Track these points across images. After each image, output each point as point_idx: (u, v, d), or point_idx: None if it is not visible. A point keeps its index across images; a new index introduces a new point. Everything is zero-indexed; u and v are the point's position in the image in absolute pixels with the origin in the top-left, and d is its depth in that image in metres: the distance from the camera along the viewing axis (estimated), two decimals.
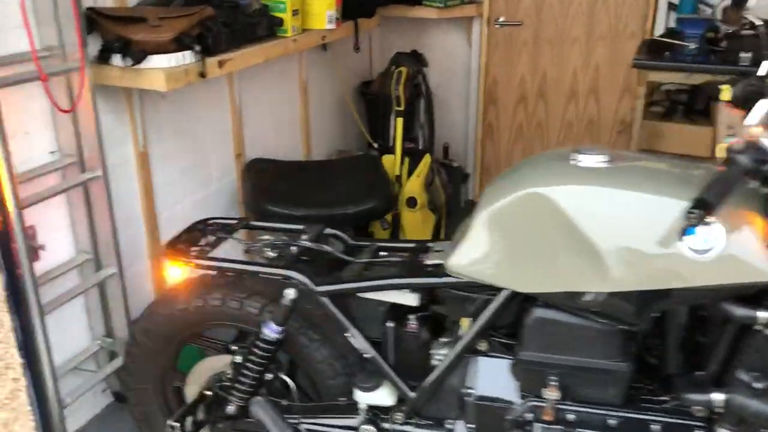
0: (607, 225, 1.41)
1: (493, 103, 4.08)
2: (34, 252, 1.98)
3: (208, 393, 1.91)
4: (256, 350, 1.75)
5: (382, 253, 1.84)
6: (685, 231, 1.35)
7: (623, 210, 1.40)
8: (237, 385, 1.79)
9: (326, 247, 1.82)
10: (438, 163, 3.71)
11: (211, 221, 1.97)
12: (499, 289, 1.57)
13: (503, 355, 1.63)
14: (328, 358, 1.81)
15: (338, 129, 3.95)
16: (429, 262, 1.67)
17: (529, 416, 1.57)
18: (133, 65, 2.10)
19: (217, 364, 1.97)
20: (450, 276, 1.60)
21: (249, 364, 1.77)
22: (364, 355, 1.68)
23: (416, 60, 3.32)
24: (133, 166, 2.49)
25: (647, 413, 1.49)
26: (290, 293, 1.68)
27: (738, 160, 1.29)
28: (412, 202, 3.34)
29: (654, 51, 3.19)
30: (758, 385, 1.37)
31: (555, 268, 1.46)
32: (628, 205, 1.41)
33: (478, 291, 1.60)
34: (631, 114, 3.78)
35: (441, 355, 1.67)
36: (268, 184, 2.91)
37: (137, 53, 2.08)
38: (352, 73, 4.00)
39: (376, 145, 3.68)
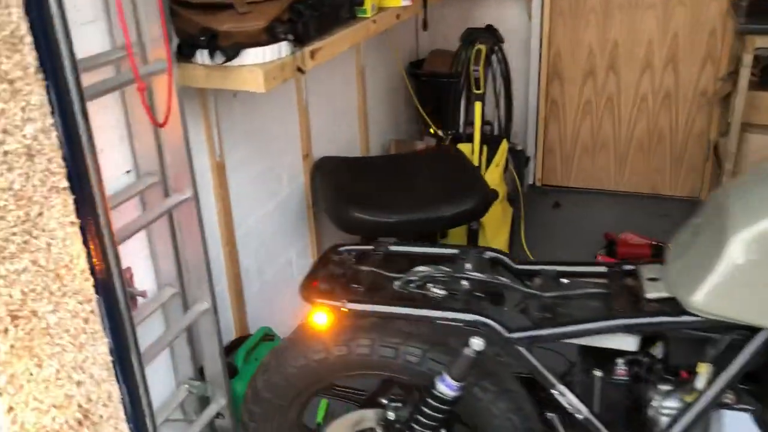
0: None
1: (558, 77, 3.73)
2: (133, 301, 1.61)
3: None
4: (425, 409, 1.42)
5: (563, 280, 1.50)
6: None
7: None
8: None
9: (503, 279, 1.48)
10: None
11: (342, 248, 1.62)
12: (751, 329, 1.25)
13: (750, 407, 1.31)
14: (506, 411, 1.48)
15: (391, 117, 3.59)
16: (652, 296, 1.34)
17: None
18: (225, 62, 1.72)
19: (359, 419, 1.64)
20: (687, 314, 1.27)
21: (415, 426, 1.44)
22: (576, 416, 1.35)
23: (493, 35, 2.96)
24: (209, 180, 2.12)
25: None
26: (478, 343, 1.35)
27: None
28: (493, 195, 3.00)
29: (758, 13, 2.87)
30: None
31: None
32: None
33: (723, 331, 1.28)
34: (715, 84, 3.46)
35: (671, 409, 1.35)
36: (346, 187, 2.56)
37: (230, 48, 1.70)
38: (404, 54, 3.63)
39: (441, 133, 3.32)
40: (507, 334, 1.34)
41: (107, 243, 0.91)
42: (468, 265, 1.49)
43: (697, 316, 1.27)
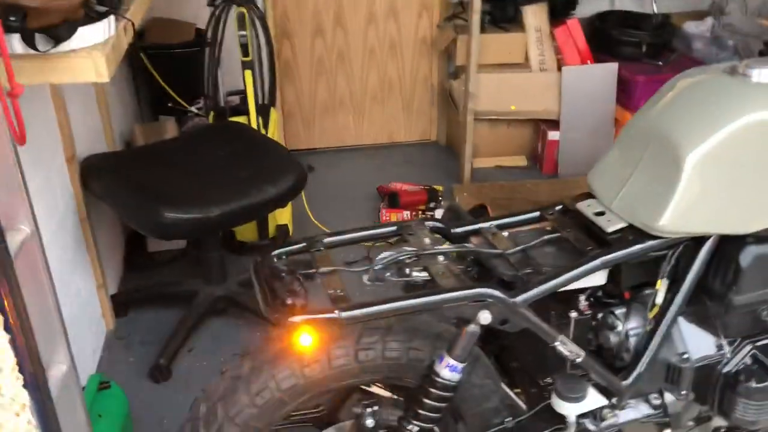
0: None
1: (287, 38, 3.62)
2: None
3: None
4: (427, 400, 1.30)
5: (505, 234, 1.48)
6: None
7: None
8: None
9: (469, 246, 1.40)
10: None
11: (275, 255, 1.36)
12: (699, 239, 1.39)
13: (706, 308, 1.46)
14: (483, 378, 1.43)
15: (130, 100, 3.13)
16: (612, 228, 1.39)
17: (748, 360, 1.45)
18: (51, 49, 1.28)
19: None
20: (652, 238, 1.36)
21: (414, 422, 1.32)
22: (576, 360, 1.36)
23: None
24: None
25: None
26: (486, 317, 1.26)
27: None
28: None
29: None
30: None
31: None
32: None
33: (676, 246, 1.40)
34: (432, 31, 3.71)
35: (636, 329, 1.44)
36: (145, 186, 2.17)
37: (60, 29, 1.26)
38: None
39: (195, 109, 3.00)
40: (512, 300, 1.27)
41: None
42: (426, 240, 1.38)
43: (662, 237, 1.36)
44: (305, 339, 1.21)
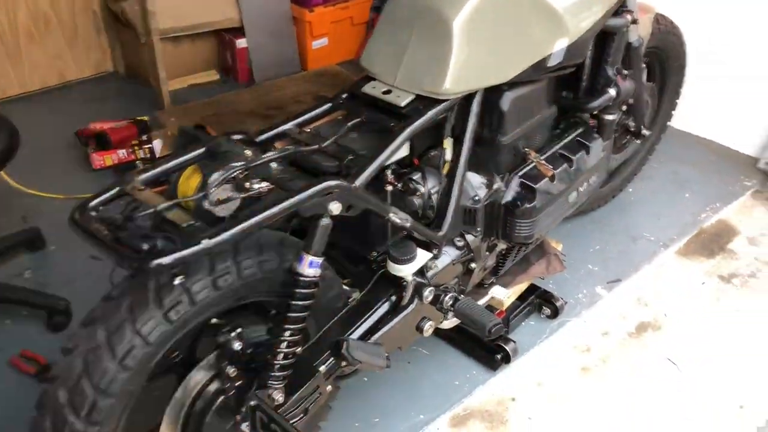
0: None
1: None
2: None
3: None
4: (296, 302, 1.34)
5: (308, 130, 1.53)
6: None
7: None
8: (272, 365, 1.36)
9: (290, 148, 1.41)
10: None
11: (92, 206, 1.22)
12: (469, 96, 1.59)
13: (482, 154, 1.69)
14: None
15: None
16: (405, 102, 1.52)
17: (524, 186, 1.73)
18: None
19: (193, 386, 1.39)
20: (439, 102, 1.53)
21: (288, 327, 1.35)
22: (405, 225, 1.49)
23: None
24: None
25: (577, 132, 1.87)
26: (336, 207, 1.32)
27: None
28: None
29: None
30: None
31: (529, 43, 1.59)
32: None
33: (451, 108, 1.59)
34: None
35: (438, 188, 1.63)
36: None
37: None
38: None
39: None
40: (352, 185, 1.34)
41: None
42: (247, 152, 1.36)
43: (446, 100, 1.53)
44: (178, 278, 1.14)
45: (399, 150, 1.50)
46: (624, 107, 2.23)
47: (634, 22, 1.87)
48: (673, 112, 2.68)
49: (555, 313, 2.16)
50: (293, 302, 1.33)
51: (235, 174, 1.29)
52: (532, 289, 2.18)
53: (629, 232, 2.59)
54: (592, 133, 1.90)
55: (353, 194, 1.34)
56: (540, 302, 2.17)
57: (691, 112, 3.09)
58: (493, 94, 1.62)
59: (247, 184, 1.28)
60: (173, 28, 3.31)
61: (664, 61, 2.47)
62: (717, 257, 2.50)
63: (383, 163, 1.43)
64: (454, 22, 1.48)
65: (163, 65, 3.25)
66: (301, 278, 1.32)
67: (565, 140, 1.85)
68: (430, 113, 1.51)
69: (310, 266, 1.33)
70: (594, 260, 2.44)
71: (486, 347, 2.01)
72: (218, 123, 3.20)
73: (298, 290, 1.33)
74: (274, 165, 1.34)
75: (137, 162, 2.92)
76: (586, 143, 1.86)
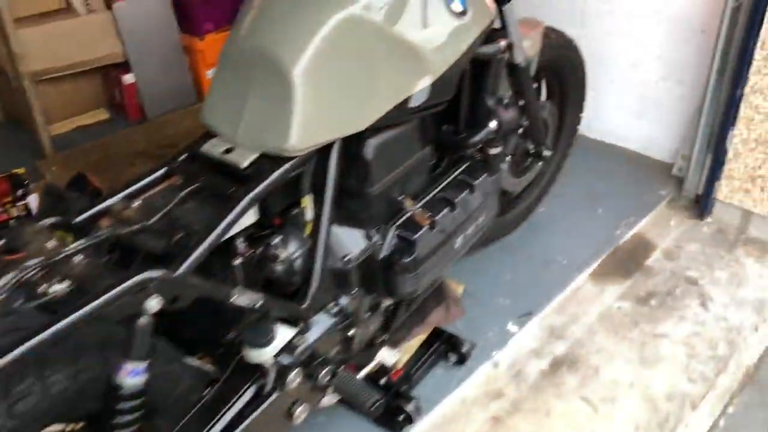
0: (408, 19, 1.43)
1: None
2: None
3: None
4: (119, 418, 1.14)
5: (138, 203, 1.33)
6: (449, 2, 1.51)
7: (412, 5, 1.44)
8: None
9: (103, 231, 1.21)
10: None
11: None
12: (327, 147, 1.42)
13: (350, 207, 1.52)
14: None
15: None
16: (246, 163, 1.33)
17: (401, 238, 1.56)
18: None
19: None
20: (287, 159, 1.34)
21: None
22: (256, 306, 1.30)
23: None
24: None
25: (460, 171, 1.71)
26: (155, 303, 1.12)
27: None
28: None
29: None
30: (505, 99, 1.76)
31: (386, 85, 1.42)
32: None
33: (307, 162, 1.41)
34: None
35: (296, 252, 1.44)
36: None
37: None
38: None
39: None
40: (175, 274, 1.14)
41: None
42: (49, 243, 1.15)
43: (295, 157, 1.35)
44: None
45: (244, 218, 1.31)
46: (520, 130, 2.09)
47: (510, 46, 1.71)
48: (578, 126, 2.55)
49: (462, 359, 2.00)
50: (115, 420, 1.13)
51: (28, 275, 1.08)
52: (437, 333, 2.01)
53: (542, 257, 2.45)
54: (477, 169, 1.74)
55: (178, 284, 1.15)
56: (446, 348, 2.01)
57: (603, 120, 2.99)
58: (354, 142, 1.45)
59: (42, 288, 1.07)
60: (47, 70, 3.06)
61: (561, 75, 2.34)
62: (633, 276, 2.38)
63: (218, 240, 1.24)
64: (293, 72, 1.30)
65: (41, 109, 3.00)
66: (121, 391, 1.12)
67: (447, 181, 1.68)
68: (277, 174, 1.32)
69: (132, 375, 1.13)
70: (505, 292, 2.29)
71: (388, 408, 1.83)
72: (105, 168, 2.97)
73: (118, 405, 1.13)
74: (78, 258, 1.13)
75: (11, 222, 2.66)
76: (471, 182, 1.71)
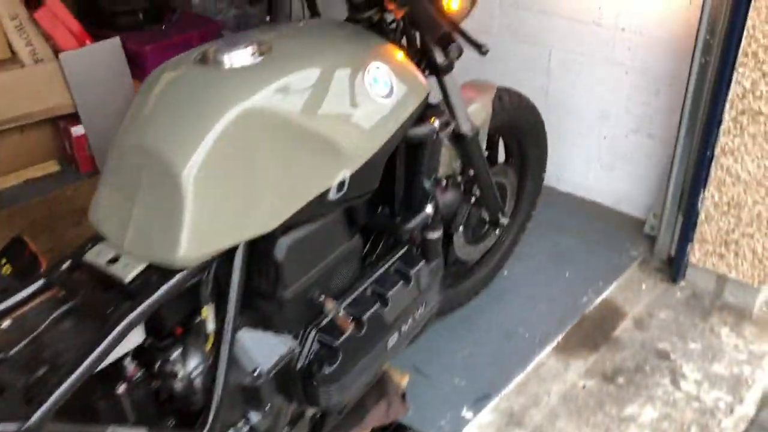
0: (323, 108, 1.28)
1: None
2: None
3: None
4: None
5: (6, 324, 1.16)
6: (371, 84, 1.36)
7: (322, 90, 1.29)
8: None
9: None
10: None
11: None
12: (229, 251, 1.26)
13: (262, 313, 1.36)
14: None
15: None
16: (131, 276, 1.17)
17: (322, 344, 1.41)
18: None
19: None
20: (179, 271, 1.19)
21: None
22: None
23: None
24: None
25: (395, 259, 1.55)
26: None
27: None
28: None
29: None
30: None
31: (297, 182, 1.27)
32: (322, 83, 1.30)
33: (205, 270, 1.25)
34: None
35: (199, 367, 1.28)
36: None
37: None
38: None
39: None
40: (26, 426, 0.98)
41: None
42: None
43: (188, 267, 1.19)
44: None
45: (129, 337, 1.15)
46: (472, 199, 1.95)
47: (446, 124, 1.56)
48: (541, 187, 2.40)
49: None
50: None
51: None
52: (382, 426, 1.85)
53: (502, 329, 2.28)
54: (414, 256, 1.59)
55: None
56: None
57: (573, 172, 2.84)
58: (263, 242, 1.29)
59: None
60: None
61: (519, 136, 2.19)
62: (600, 350, 2.21)
63: (89, 373, 1.07)
64: (183, 174, 1.14)
65: None
66: None
67: (378, 273, 1.53)
68: (163, 290, 1.17)
69: None
70: (460, 371, 2.12)
71: None
72: (51, 227, 2.82)
73: None
74: None
75: None
76: (406, 272, 1.55)
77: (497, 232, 2.13)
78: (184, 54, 1.34)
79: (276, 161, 1.23)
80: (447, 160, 1.85)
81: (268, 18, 2.81)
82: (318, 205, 1.31)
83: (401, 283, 1.53)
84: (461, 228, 2.01)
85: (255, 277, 1.31)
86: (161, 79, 1.26)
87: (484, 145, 1.97)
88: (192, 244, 1.16)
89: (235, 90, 1.20)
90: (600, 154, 2.75)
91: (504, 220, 2.05)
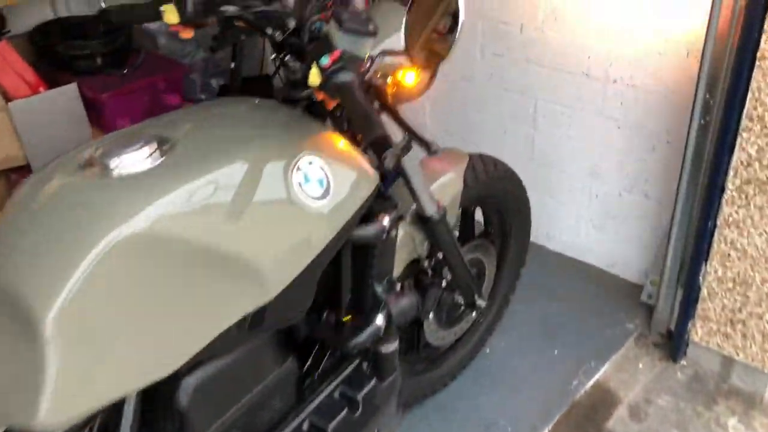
0: (232, 226, 1.05)
1: None
2: None
3: None
4: None
5: None
6: (301, 184, 1.13)
7: (233, 200, 1.05)
8: None
9: None
10: None
11: None
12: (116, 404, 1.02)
13: None
14: None
15: None
16: None
17: None
18: None
19: None
20: None
21: None
22: None
23: None
24: None
25: (339, 380, 1.31)
26: None
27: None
28: None
29: None
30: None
31: (204, 312, 1.03)
32: (235, 191, 1.06)
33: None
34: None
35: None
36: None
37: None
38: None
39: None
40: None
41: None
42: None
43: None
44: None
45: None
46: (443, 283, 1.72)
47: (400, 218, 1.33)
48: (525, 257, 2.16)
49: None
50: None
51: None
52: None
53: (481, 418, 2.04)
54: (363, 375, 1.34)
55: None
56: None
57: (563, 230, 2.60)
58: (163, 384, 1.05)
59: None
60: None
61: (498, 206, 1.96)
62: None
63: None
64: (45, 320, 0.91)
65: None
66: None
67: (319, 399, 1.28)
68: None
69: None
70: None
71: None
72: None
73: None
74: None
75: None
76: (353, 396, 1.31)
77: (474, 314, 1.88)
78: (71, 152, 1.11)
79: (172, 294, 0.99)
80: (411, 245, 1.62)
81: (232, 65, 2.58)
82: (232, 338, 1.08)
83: (346, 411, 1.29)
84: (431, 314, 1.77)
85: (155, 427, 1.07)
86: (30, 194, 1.03)
87: (454, 221, 1.74)
88: (58, 405, 0.92)
89: (116, 207, 0.97)
90: (590, 213, 2.51)
91: (481, 302, 1.82)
